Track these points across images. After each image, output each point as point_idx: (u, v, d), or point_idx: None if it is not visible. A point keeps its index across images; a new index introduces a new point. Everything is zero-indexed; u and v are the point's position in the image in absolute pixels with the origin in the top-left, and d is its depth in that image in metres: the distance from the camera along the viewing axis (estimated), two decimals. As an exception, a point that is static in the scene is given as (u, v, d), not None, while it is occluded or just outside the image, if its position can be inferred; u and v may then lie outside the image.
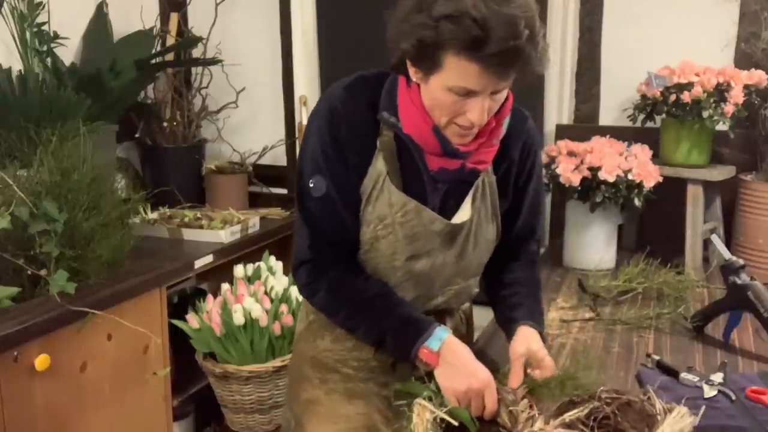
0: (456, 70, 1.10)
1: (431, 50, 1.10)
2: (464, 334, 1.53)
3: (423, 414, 1.14)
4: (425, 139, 1.23)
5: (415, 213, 1.28)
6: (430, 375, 1.24)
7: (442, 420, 1.16)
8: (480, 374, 1.19)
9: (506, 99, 1.24)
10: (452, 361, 1.21)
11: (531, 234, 1.46)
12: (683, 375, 1.44)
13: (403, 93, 1.23)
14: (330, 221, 1.29)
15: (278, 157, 2.98)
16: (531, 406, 1.16)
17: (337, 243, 1.31)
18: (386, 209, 1.27)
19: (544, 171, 2.10)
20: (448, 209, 1.31)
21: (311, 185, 1.28)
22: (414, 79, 1.19)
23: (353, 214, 1.29)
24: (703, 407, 1.20)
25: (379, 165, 1.27)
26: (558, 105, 2.56)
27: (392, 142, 1.26)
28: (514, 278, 1.43)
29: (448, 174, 1.27)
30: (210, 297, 2.33)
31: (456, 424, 1.16)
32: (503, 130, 1.29)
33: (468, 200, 1.32)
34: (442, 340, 1.23)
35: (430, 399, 1.19)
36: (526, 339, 1.29)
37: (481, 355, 1.39)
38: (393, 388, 1.33)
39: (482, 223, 1.34)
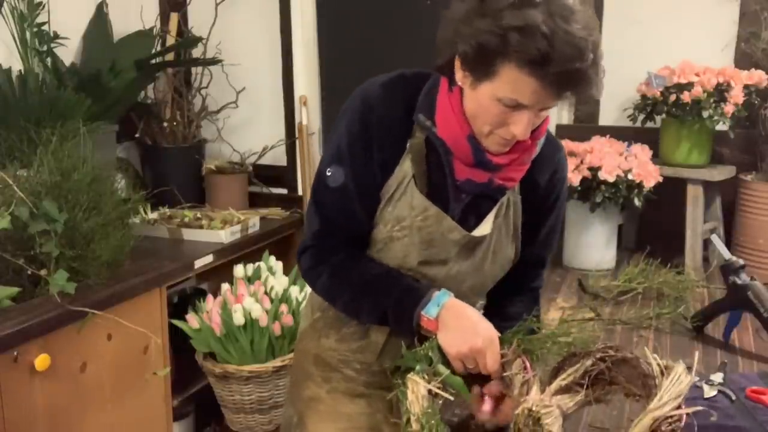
0: (512, 82, 1.08)
1: (490, 57, 1.08)
2: None
3: (417, 390, 1.13)
4: (459, 146, 1.20)
5: (435, 219, 1.26)
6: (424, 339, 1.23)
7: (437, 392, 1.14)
8: (481, 332, 1.17)
9: (543, 120, 1.22)
10: (452, 324, 1.19)
11: (539, 264, 1.42)
12: (683, 375, 1.44)
13: (443, 97, 1.21)
14: (341, 213, 1.28)
15: (278, 157, 2.98)
16: (525, 368, 1.14)
17: (343, 235, 1.31)
18: (406, 211, 1.26)
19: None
20: (467, 222, 1.29)
21: (328, 174, 1.26)
22: (460, 83, 1.16)
23: (367, 210, 1.28)
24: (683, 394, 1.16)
25: (405, 166, 1.25)
26: (558, 105, 2.55)
27: (422, 145, 1.24)
28: (515, 313, 1.38)
29: (474, 186, 1.25)
30: (210, 297, 2.33)
31: (451, 398, 1.14)
32: (537, 150, 1.27)
33: (491, 216, 1.30)
34: (440, 305, 1.21)
35: (423, 371, 1.17)
36: None
37: None
38: (388, 365, 1.31)
39: (502, 240, 1.32)
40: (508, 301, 1.41)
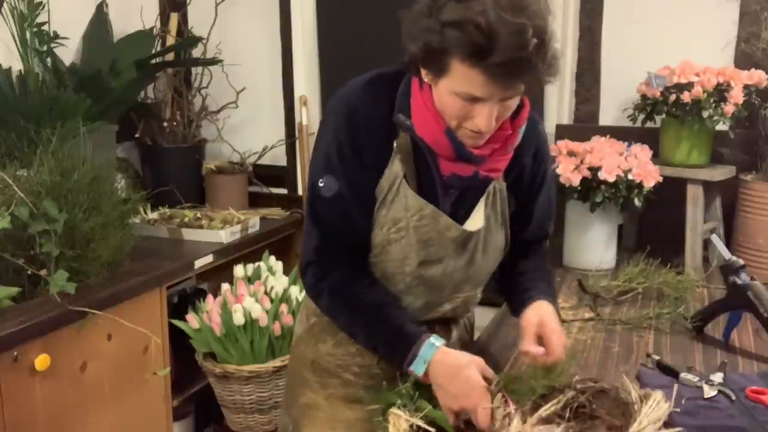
0: (461, 77, 1.08)
1: (438, 55, 1.08)
2: (467, 341, 1.54)
3: (399, 424, 1.12)
4: (438, 143, 1.20)
5: (432, 218, 1.26)
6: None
7: (419, 426, 1.14)
8: (471, 393, 1.16)
9: (523, 107, 1.22)
10: (441, 381, 1.18)
11: (542, 237, 1.46)
12: (683, 375, 1.44)
13: (416, 95, 1.21)
14: (339, 223, 1.27)
15: (278, 157, 2.98)
16: (506, 402, 1.14)
17: (345, 245, 1.29)
18: (402, 212, 1.25)
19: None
20: (458, 215, 1.29)
21: (321, 184, 1.25)
22: (425, 80, 1.17)
23: (366, 216, 1.26)
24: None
25: (395, 167, 1.24)
26: (558, 105, 2.56)
27: (409, 144, 1.24)
28: (525, 268, 1.44)
29: (461, 180, 1.24)
30: (210, 297, 2.33)
31: (433, 431, 1.14)
32: (518, 138, 1.26)
33: (480, 207, 1.30)
34: (426, 362, 1.19)
35: (405, 406, 1.17)
36: (539, 309, 1.29)
37: (482, 353, 1.38)
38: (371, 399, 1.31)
39: (492, 230, 1.32)
40: (518, 264, 1.44)
